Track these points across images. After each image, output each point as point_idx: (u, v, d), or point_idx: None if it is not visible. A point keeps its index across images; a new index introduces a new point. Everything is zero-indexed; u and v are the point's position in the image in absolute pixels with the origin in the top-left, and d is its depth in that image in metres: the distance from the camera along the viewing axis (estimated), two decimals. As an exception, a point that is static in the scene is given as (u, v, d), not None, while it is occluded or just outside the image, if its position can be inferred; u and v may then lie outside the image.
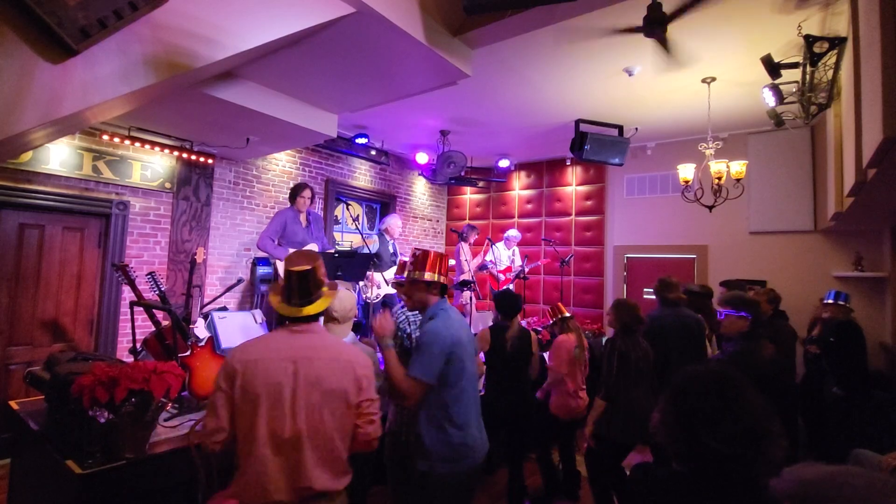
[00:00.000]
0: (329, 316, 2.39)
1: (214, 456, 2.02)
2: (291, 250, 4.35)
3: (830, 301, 4.15)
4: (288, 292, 1.69)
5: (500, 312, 3.28)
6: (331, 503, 1.58)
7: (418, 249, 2.25)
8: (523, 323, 5.06)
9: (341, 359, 1.64)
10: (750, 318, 2.53)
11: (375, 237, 5.25)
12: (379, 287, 4.91)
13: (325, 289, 1.75)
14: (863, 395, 3.81)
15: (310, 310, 1.68)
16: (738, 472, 1.01)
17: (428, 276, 2.16)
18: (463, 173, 5.98)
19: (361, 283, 4.82)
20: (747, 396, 1.06)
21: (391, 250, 5.29)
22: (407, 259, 2.45)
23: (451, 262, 5.92)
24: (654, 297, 3.67)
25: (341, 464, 1.60)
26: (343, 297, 2.42)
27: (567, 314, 3.58)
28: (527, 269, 6.08)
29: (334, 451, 1.58)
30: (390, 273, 5.09)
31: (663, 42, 3.37)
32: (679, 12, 3.08)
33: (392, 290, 5.04)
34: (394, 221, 5.37)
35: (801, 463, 1.04)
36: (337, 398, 1.58)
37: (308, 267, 1.68)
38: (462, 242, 6.01)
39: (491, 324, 3.38)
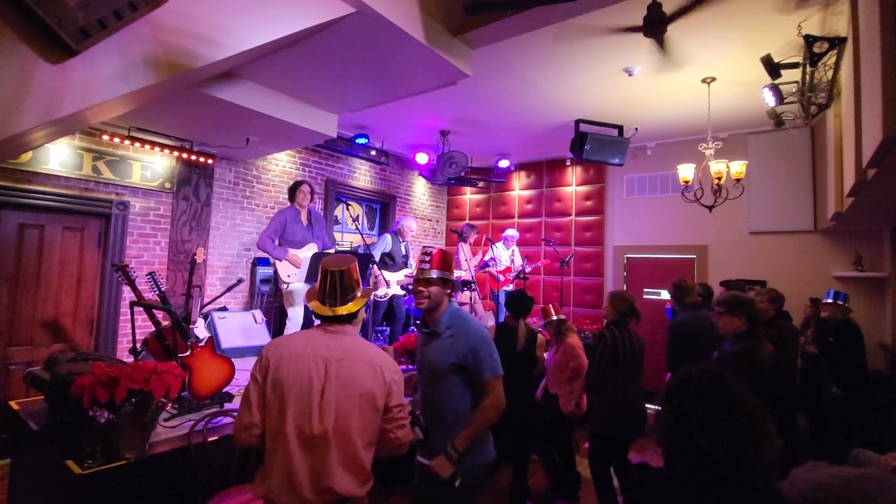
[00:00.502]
0: None
1: (214, 456, 2.03)
2: (291, 250, 4.39)
3: (829, 301, 4.16)
4: (322, 293, 1.72)
5: (510, 311, 3.29)
6: None
7: (430, 247, 2.18)
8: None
9: (372, 362, 1.64)
10: (745, 318, 2.53)
11: (388, 237, 5.26)
12: (388, 286, 4.97)
13: (359, 291, 1.76)
14: (862, 395, 3.81)
15: (343, 310, 1.69)
16: (734, 473, 1.01)
17: (447, 274, 2.10)
18: (463, 173, 5.99)
19: (373, 281, 4.90)
20: (741, 397, 1.06)
21: (403, 252, 5.33)
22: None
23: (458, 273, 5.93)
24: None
25: (364, 469, 1.60)
26: None
27: (562, 316, 3.55)
28: (528, 270, 6.08)
29: (357, 455, 1.57)
30: (400, 275, 5.13)
31: (660, 42, 3.37)
32: (679, 13, 3.08)
33: (400, 292, 5.12)
34: (408, 223, 5.40)
35: (809, 464, 1.04)
36: (366, 402, 1.58)
37: (343, 268, 1.71)
38: (462, 242, 6.02)
39: (494, 323, 3.38)
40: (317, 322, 1.77)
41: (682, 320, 3.58)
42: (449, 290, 2.12)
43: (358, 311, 1.74)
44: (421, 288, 2.07)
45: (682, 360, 3.25)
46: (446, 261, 2.11)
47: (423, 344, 2.15)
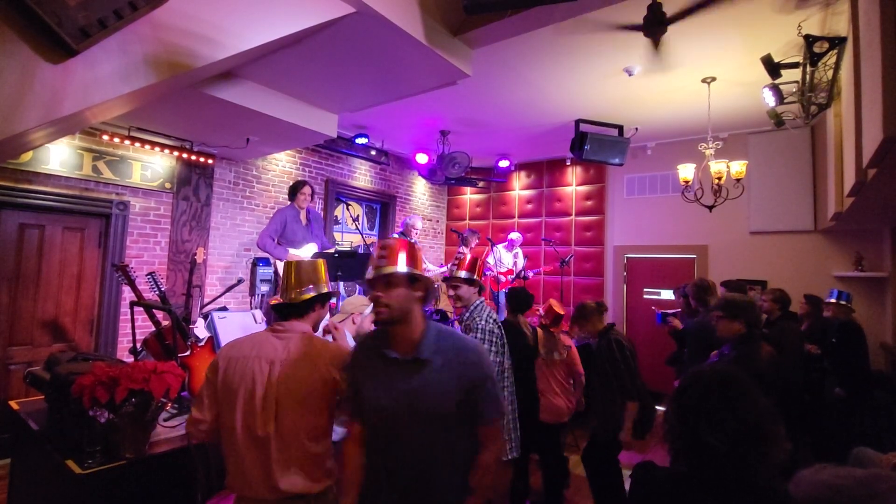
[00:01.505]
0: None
1: (214, 455, 2.03)
2: (291, 249, 4.39)
3: (833, 300, 4.13)
4: (281, 288, 1.77)
5: (510, 306, 3.33)
6: None
7: (390, 239, 2.04)
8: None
9: (316, 361, 1.63)
10: (743, 322, 2.51)
11: (397, 236, 5.28)
12: None
13: (322, 287, 1.77)
14: (864, 396, 3.80)
15: (295, 300, 1.71)
16: (739, 472, 1.01)
17: (416, 270, 1.51)
18: (464, 173, 6.00)
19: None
20: (751, 396, 1.06)
21: None
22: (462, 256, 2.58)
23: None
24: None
25: (317, 466, 1.60)
26: (351, 298, 2.61)
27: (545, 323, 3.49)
28: (531, 275, 6.08)
29: (308, 454, 1.58)
30: None
31: (655, 42, 3.37)
32: (680, 16, 3.08)
33: None
34: (412, 222, 5.46)
35: (816, 466, 1.04)
36: (312, 401, 1.59)
37: (300, 261, 1.77)
38: (463, 246, 6.01)
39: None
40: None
41: (700, 321, 3.51)
42: (420, 293, 1.50)
43: (309, 303, 1.73)
44: (378, 294, 1.46)
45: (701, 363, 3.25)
46: (413, 254, 1.52)
47: (393, 377, 1.48)
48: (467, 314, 2.51)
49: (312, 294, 1.74)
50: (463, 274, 2.48)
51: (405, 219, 5.54)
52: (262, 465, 1.55)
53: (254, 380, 1.58)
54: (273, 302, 1.76)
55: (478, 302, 2.54)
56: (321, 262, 1.82)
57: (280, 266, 4.35)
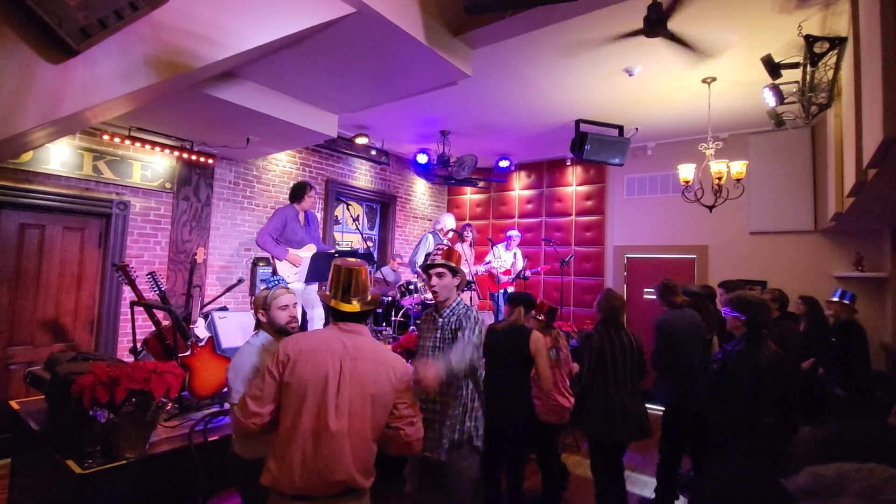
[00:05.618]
0: None
1: (214, 455, 2.03)
2: (291, 249, 4.38)
3: (835, 299, 4.12)
4: (341, 290, 1.76)
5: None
6: (358, 501, 1.64)
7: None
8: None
9: (383, 362, 1.69)
10: (744, 319, 2.54)
11: (429, 237, 5.34)
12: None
13: (370, 294, 1.82)
14: (866, 396, 3.80)
15: (366, 306, 1.76)
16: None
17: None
18: (470, 174, 6.02)
19: (420, 284, 5.04)
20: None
21: None
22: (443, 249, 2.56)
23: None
24: (653, 297, 3.69)
25: (370, 464, 1.66)
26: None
27: (540, 317, 3.46)
28: (529, 274, 6.07)
29: (368, 450, 1.64)
30: None
31: (674, 38, 3.34)
32: (676, 4, 3.05)
33: None
34: (447, 221, 5.45)
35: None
36: (377, 401, 1.64)
37: (361, 267, 1.79)
38: (461, 242, 6.01)
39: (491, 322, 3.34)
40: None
41: (669, 318, 3.54)
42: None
43: (373, 311, 1.80)
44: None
45: (670, 360, 3.28)
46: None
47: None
48: (448, 311, 2.38)
49: (377, 302, 1.81)
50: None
51: (440, 217, 5.59)
52: (323, 459, 1.56)
53: (326, 374, 1.60)
54: (340, 307, 1.75)
55: (458, 300, 2.44)
56: (366, 267, 1.87)
57: (279, 266, 4.33)
